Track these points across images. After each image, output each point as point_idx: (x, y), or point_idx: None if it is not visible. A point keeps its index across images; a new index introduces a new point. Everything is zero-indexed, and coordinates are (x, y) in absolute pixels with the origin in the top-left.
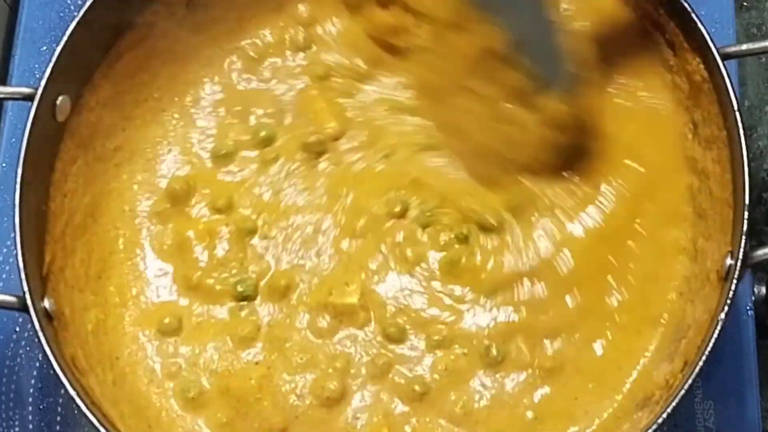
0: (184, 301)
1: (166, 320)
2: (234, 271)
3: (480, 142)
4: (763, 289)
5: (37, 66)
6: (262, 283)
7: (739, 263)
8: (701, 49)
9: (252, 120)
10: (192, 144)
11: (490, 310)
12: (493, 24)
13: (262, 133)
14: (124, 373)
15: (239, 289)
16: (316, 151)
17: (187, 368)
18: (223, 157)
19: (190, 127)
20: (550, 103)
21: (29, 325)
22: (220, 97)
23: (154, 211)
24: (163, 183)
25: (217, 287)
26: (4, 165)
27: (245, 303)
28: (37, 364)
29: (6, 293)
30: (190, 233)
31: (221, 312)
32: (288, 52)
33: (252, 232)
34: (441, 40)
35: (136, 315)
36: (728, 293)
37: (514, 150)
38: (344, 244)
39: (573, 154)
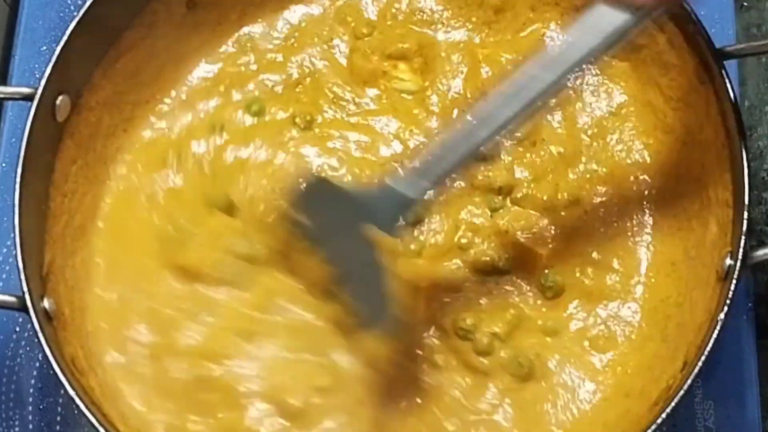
0: (180, 291)
1: (165, 312)
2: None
3: None
4: (763, 289)
5: (37, 66)
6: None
7: (739, 263)
8: (701, 49)
9: (242, 95)
10: (192, 137)
11: None
12: (320, 258)
13: (254, 107)
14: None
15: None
16: (304, 126)
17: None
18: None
19: (191, 120)
20: (369, 341)
21: (29, 325)
22: (219, 87)
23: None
24: (165, 180)
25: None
26: (4, 165)
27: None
28: (37, 364)
29: (6, 293)
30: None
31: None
32: (283, 52)
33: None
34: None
35: (137, 312)
36: (728, 293)
37: None
38: None
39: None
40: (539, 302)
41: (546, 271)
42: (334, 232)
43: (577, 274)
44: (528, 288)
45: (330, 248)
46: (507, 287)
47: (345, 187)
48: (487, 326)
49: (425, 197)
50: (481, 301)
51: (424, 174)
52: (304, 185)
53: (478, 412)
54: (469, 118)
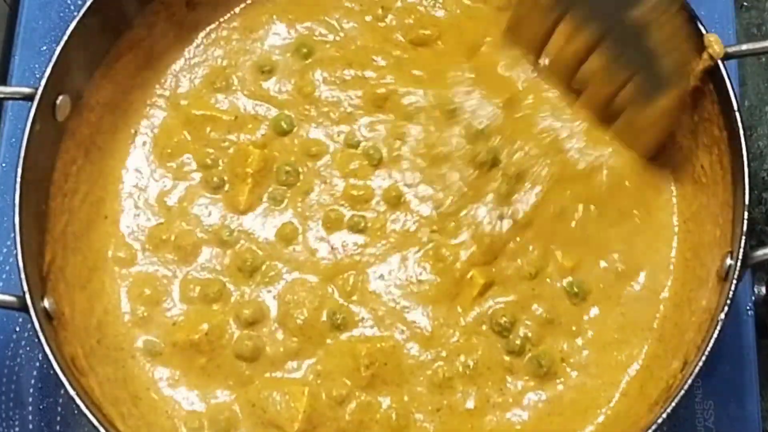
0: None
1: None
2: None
3: None
4: (763, 289)
5: (37, 66)
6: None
7: (739, 263)
8: (701, 49)
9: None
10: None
11: None
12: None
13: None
14: (124, 372)
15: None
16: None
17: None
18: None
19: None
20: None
21: (29, 325)
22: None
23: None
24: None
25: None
26: (4, 165)
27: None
28: (37, 364)
29: (6, 293)
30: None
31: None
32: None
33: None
34: None
35: (136, 313)
36: (728, 293)
37: None
38: None
39: None
40: (567, 305)
41: (570, 278)
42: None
43: (600, 285)
44: (557, 290)
45: (585, 18)
46: (537, 289)
47: None
48: (522, 327)
49: None
50: (513, 298)
51: None
52: None
53: (492, 406)
54: None
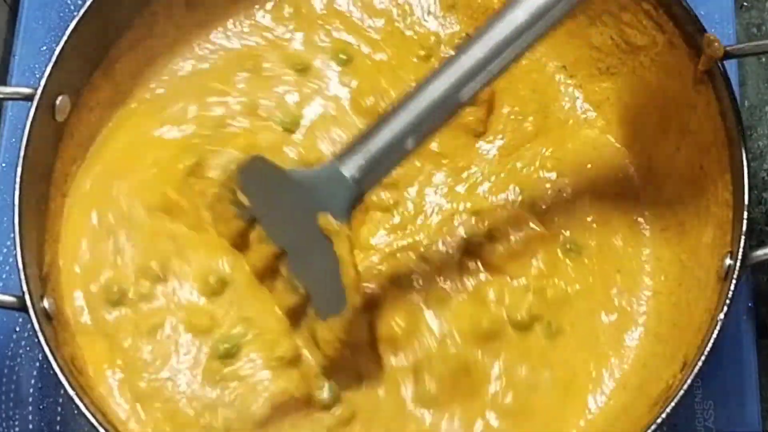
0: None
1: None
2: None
3: None
4: (764, 289)
5: (37, 66)
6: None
7: (738, 263)
8: (701, 49)
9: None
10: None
11: None
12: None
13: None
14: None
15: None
16: None
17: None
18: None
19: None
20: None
21: (29, 325)
22: (221, 92)
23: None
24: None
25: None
26: (4, 165)
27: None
28: (37, 364)
29: (6, 293)
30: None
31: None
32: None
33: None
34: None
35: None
36: (728, 293)
37: None
38: None
39: None
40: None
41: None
42: (278, 214)
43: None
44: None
45: (273, 228)
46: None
47: (289, 171)
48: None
49: (373, 182)
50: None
51: (371, 159)
52: (245, 164)
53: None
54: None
